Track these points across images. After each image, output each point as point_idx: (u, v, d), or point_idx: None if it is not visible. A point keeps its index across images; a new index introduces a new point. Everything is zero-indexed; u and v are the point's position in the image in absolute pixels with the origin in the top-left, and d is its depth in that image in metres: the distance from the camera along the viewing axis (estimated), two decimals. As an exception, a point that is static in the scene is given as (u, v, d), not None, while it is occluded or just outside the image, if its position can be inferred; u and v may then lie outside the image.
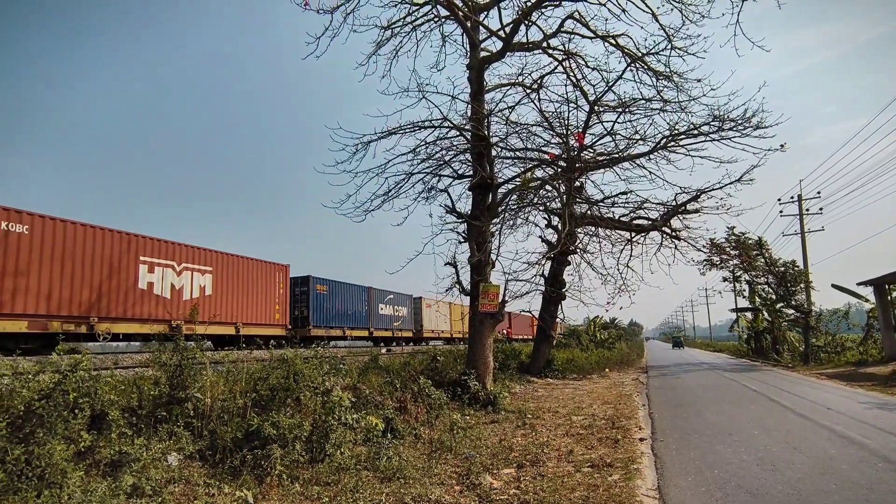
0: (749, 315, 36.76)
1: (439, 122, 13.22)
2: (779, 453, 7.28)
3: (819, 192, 30.73)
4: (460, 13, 12.89)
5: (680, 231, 18.15)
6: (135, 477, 4.78)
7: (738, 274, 33.79)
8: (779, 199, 32.13)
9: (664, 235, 18.37)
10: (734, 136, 14.45)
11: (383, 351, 17.57)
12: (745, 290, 35.49)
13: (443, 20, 13.66)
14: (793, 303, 29.76)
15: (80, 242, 13.26)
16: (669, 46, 12.67)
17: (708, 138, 14.92)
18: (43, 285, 12.33)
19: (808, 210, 31.10)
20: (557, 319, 21.26)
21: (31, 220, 12.26)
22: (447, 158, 14.25)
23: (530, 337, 42.62)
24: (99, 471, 4.88)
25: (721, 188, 16.32)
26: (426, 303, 31.11)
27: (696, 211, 17.56)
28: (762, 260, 30.25)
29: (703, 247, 19.91)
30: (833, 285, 29.23)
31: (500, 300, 12.99)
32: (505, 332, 34.63)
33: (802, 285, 29.59)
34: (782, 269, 30.22)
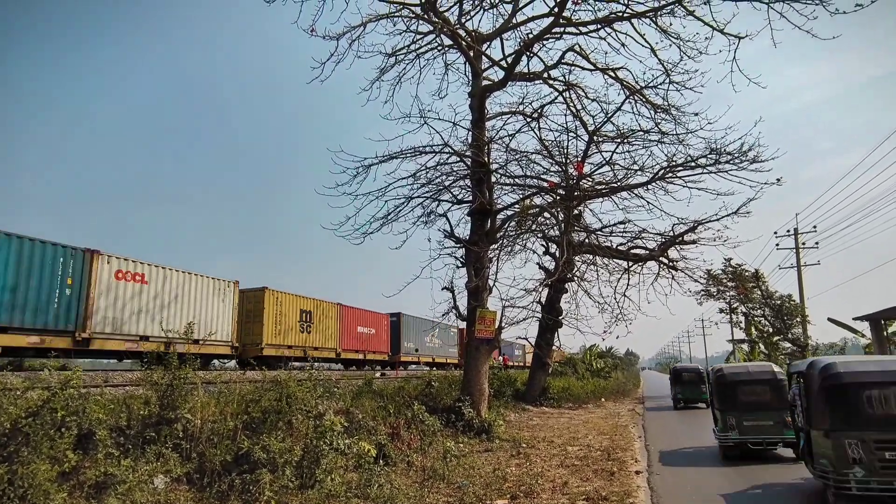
0: (746, 347, 36.59)
1: (440, 147, 13.37)
2: (779, 490, 7.17)
3: (815, 227, 30.85)
4: (463, 43, 13.18)
5: (677, 261, 18.21)
6: (119, 500, 4.67)
7: (735, 305, 33.76)
8: (775, 233, 32.32)
9: (661, 265, 18.41)
10: (731, 169, 14.61)
11: (377, 375, 17.37)
12: (741, 322, 35.38)
13: (446, 49, 13.95)
14: (790, 336, 29.66)
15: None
16: (667, 80, 12.95)
17: (705, 170, 15.09)
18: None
19: (804, 244, 31.25)
20: (554, 347, 21.11)
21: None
22: (447, 184, 14.35)
23: (524, 364, 42.28)
24: (83, 492, 4.76)
25: (718, 220, 16.43)
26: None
27: (694, 242, 17.65)
28: (759, 292, 30.24)
29: (701, 278, 19.94)
30: (829, 319, 29.07)
31: (496, 326, 12.92)
32: (501, 358, 34.29)
33: (799, 318, 29.55)
34: (779, 301, 30.20)
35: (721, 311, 35.52)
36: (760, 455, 9.75)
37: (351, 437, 7.37)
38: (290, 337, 19.21)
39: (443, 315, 13.71)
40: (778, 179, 14.56)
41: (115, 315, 13.52)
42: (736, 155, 14.19)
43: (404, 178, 13.74)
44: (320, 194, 13.87)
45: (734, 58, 11.02)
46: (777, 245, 32.16)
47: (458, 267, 14.04)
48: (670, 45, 12.15)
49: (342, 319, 22.73)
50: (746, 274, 29.13)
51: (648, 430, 14.22)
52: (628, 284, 18.59)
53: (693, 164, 15.04)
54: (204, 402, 6.55)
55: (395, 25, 12.99)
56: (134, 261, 14.27)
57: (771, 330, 31.23)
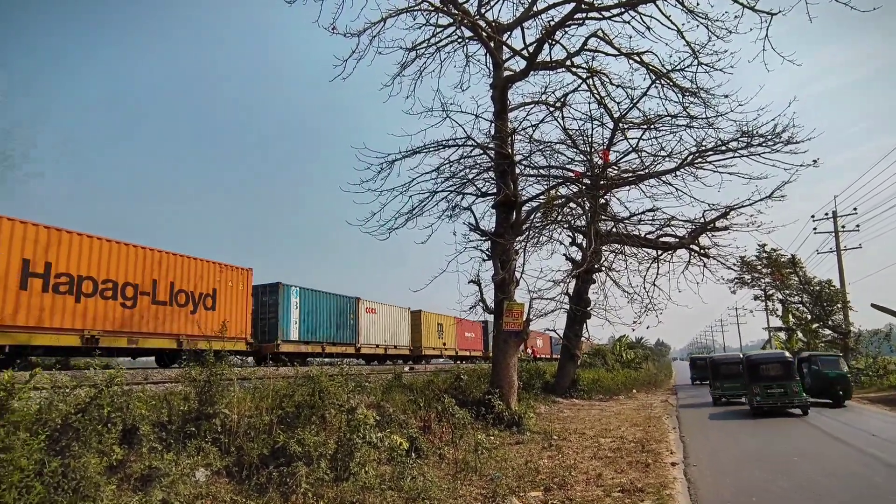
0: (783, 335, 35.51)
1: (463, 140, 13.33)
2: (820, 481, 6.95)
3: (856, 209, 29.55)
4: (484, 34, 13.06)
5: (709, 248, 17.79)
6: (164, 492, 4.84)
7: (771, 292, 32.75)
8: (812, 216, 31.11)
9: (692, 253, 18.01)
10: (764, 152, 14.12)
11: (406, 369, 17.54)
12: (778, 310, 34.31)
13: (466, 41, 13.84)
14: (830, 323, 28.62)
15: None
16: (695, 62, 12.51)
17: (736, 154, 14.63)
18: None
19: (843, 227, 30.03)
20: (582, 338, 20.92)
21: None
22: (471, 177, 14.31)
23: (549, 356, 42.03)
24: (130, 485, 4.96)
25: (751, 205, 15.96)
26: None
27: (726, 228, 17.18)
28: (796, 278, 29.27)
29: (734, 265, 19.41)
30: (873, 305, 27.93)
31: (524, 318, 12.85)
32: (531, 350, 34.17)
33: (839, 305, 28.47)
34: (817, 287, 29.15)
35: (756, 298, 34.46)
36: (732, 402, 18.04)
37: (383, 431, 7.47)
38: (432, 341, 28.00)
39: (469, 308, 13.73)
40: (814, 161, 14.02)
41: (367, 333, 22.55)
42: (769, 137, 13.72)
43: (428, 173, 13.78)
44: (345, 191, 14.03)
45: (766, 35, 10.60)
46: (815, 229, 31.03)
47: (483, 260, 14.03)
48: (698, 26, 11.74)
49: (457, 328, 30.48)
50: (782, 260, 28.20)
51: (683, 421, 14.01)
52: (658, 273, 18.30)
53: (724, 147, 14.60)
54: (240, 398, 6.73)
55: (414, 20, 12.97)
56: (371, 301, 23.24)
57: (809, 317, 30.20)
